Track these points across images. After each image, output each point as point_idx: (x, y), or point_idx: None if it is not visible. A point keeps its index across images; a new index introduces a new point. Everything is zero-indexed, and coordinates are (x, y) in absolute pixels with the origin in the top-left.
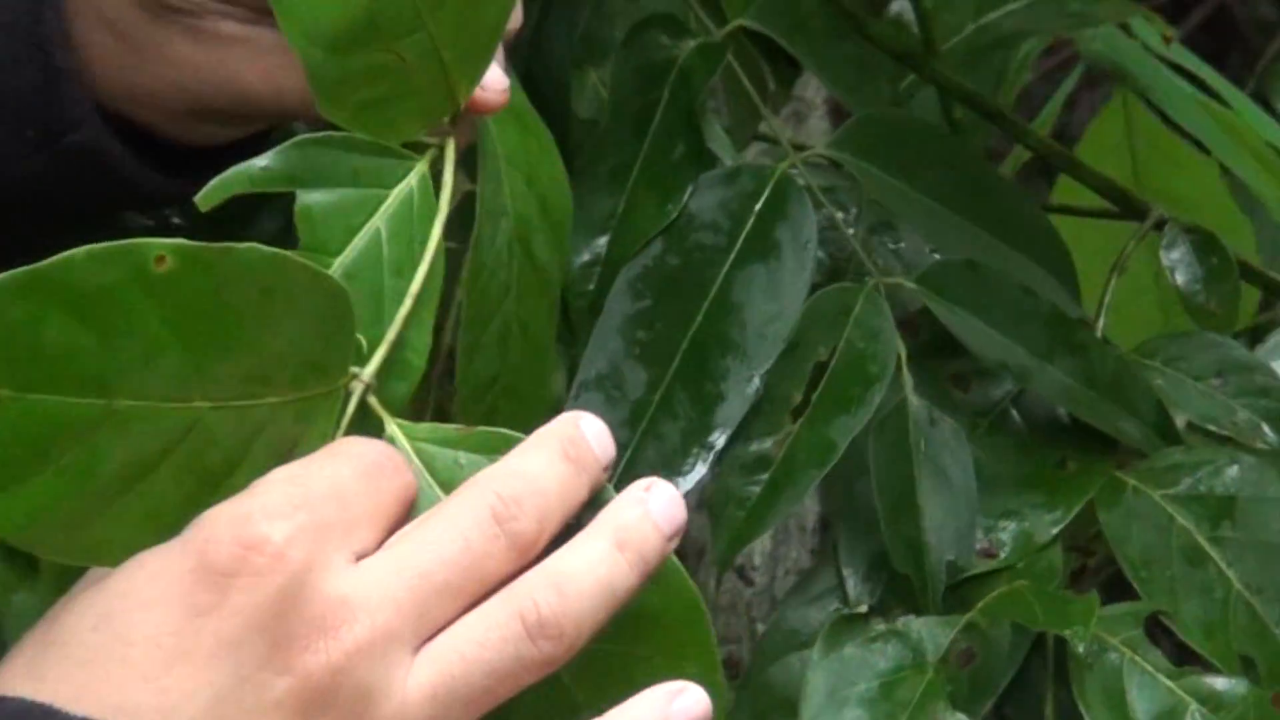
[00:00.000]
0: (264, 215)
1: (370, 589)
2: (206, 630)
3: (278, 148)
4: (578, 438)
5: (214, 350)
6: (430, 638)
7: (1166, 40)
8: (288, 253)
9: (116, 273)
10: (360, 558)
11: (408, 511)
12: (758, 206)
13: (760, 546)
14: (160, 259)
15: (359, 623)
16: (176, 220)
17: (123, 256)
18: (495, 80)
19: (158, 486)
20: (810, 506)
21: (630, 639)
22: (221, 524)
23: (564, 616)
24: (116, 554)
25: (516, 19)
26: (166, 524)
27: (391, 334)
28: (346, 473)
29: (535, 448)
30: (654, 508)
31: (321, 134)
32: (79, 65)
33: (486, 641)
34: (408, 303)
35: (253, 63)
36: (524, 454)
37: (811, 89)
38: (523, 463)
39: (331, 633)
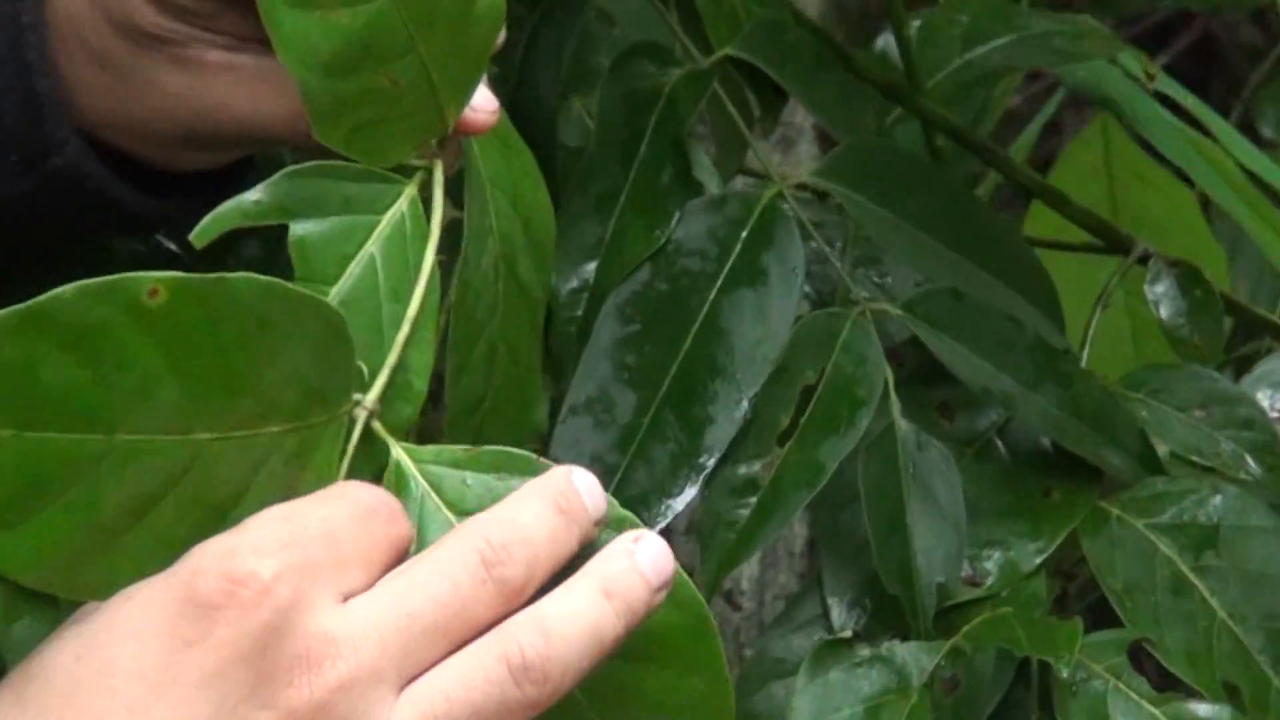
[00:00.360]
0: (249, 239)
1: (356, 627)
2: (191, 662)
3: (269, 180)
4: (569, 490)
5: (213, 381)
6: (415, 678)
7: (1150, 76)
8: (283, 281)
9: (109, 308)
10: (349, 598)
11: (401, 559)
12: (744, 233)
13: (748, 571)
14: (153, 292)
15: (343, 659)
16: (171, 245)
17: (114, 291)
18: (484, 101)
19: (163, 520)
20: (798, 531)
21: (640, 653)
22: (209, 558)
23: (549, 661)
24: (124, 589)
25: (499, 36)
26: (173, 557)
27: (392, 358)
28: (341, 514)
29: (527, 498)
30: (642, 559)
31: (311, 164)
32: (62, 91)
33: (471, 683)
34: (406, 326)
35: (237, 89)
36: (515, 503)
37: (800, 114)
38: (513, 511)
39: (315, 668)
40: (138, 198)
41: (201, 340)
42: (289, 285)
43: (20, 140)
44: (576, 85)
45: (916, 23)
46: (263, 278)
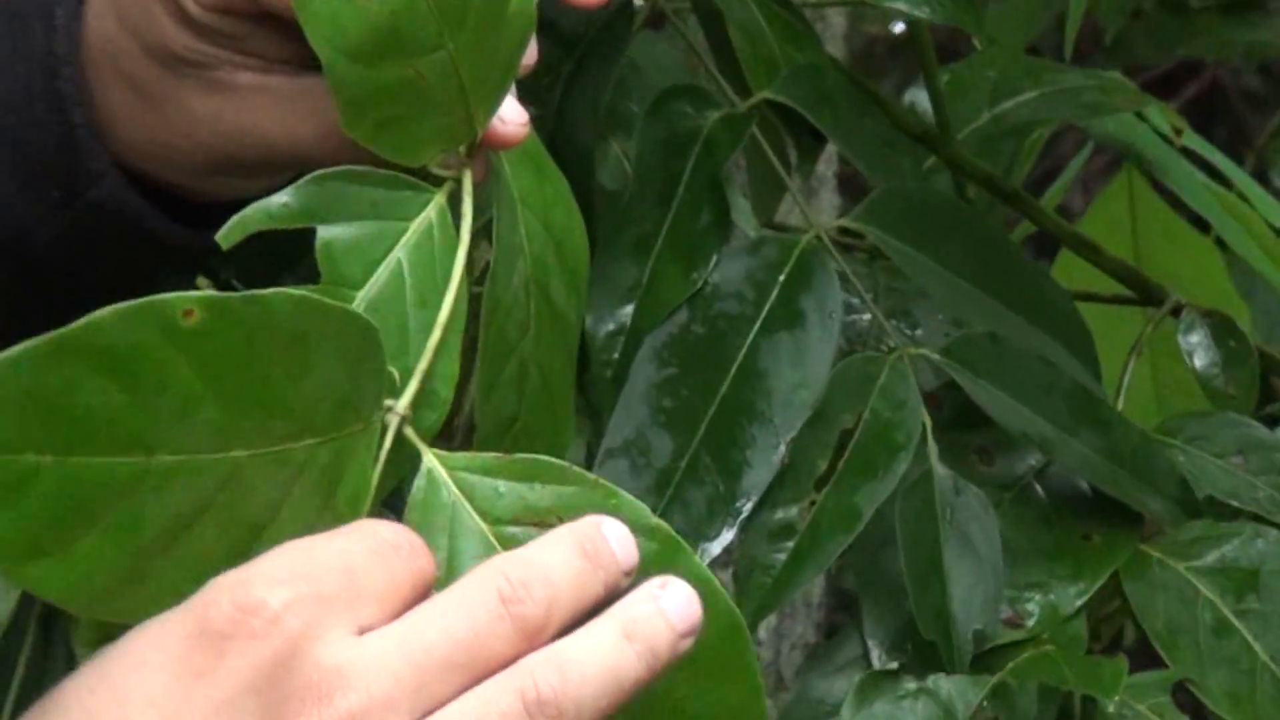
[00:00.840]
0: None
1: (368, 660)
2: (201, 692)
3: (296, 184)
4: (597, 537)
5: (249, 399)
6: (430, 713)
7: (1177, 132)
8: (315, 295)
9: (145, 330)
10: (365, 632)
11: (424, 596)
12: (782, 277)
13: (766, 621)
14: (188, 313)
15: (354, 691)
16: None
17: (150, 313)
18: (514, 114)
19: (201, 540)
20: (817, 581)
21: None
22: (222, 589)
23: (564, 697)
24: (165, 611)
25: (531, 55)
26: (209, 577)
27: (423, 364)
28: (359, 549)
29: (552, 542)
30: (667, 604)
31: (338, 169)
32: (98, 122)
33: (485, 717)
34: (436, 333)
35: (267, 111)
36: (539, 546)
37: (822, 163)
38: (536, 552)
39: (325, 700)
40: (177, 229)
41: (238, 358)
42: (322, 299)
43: (58, 173)
44: (613, 129)
45: (945, 76)
46: (296, 292)
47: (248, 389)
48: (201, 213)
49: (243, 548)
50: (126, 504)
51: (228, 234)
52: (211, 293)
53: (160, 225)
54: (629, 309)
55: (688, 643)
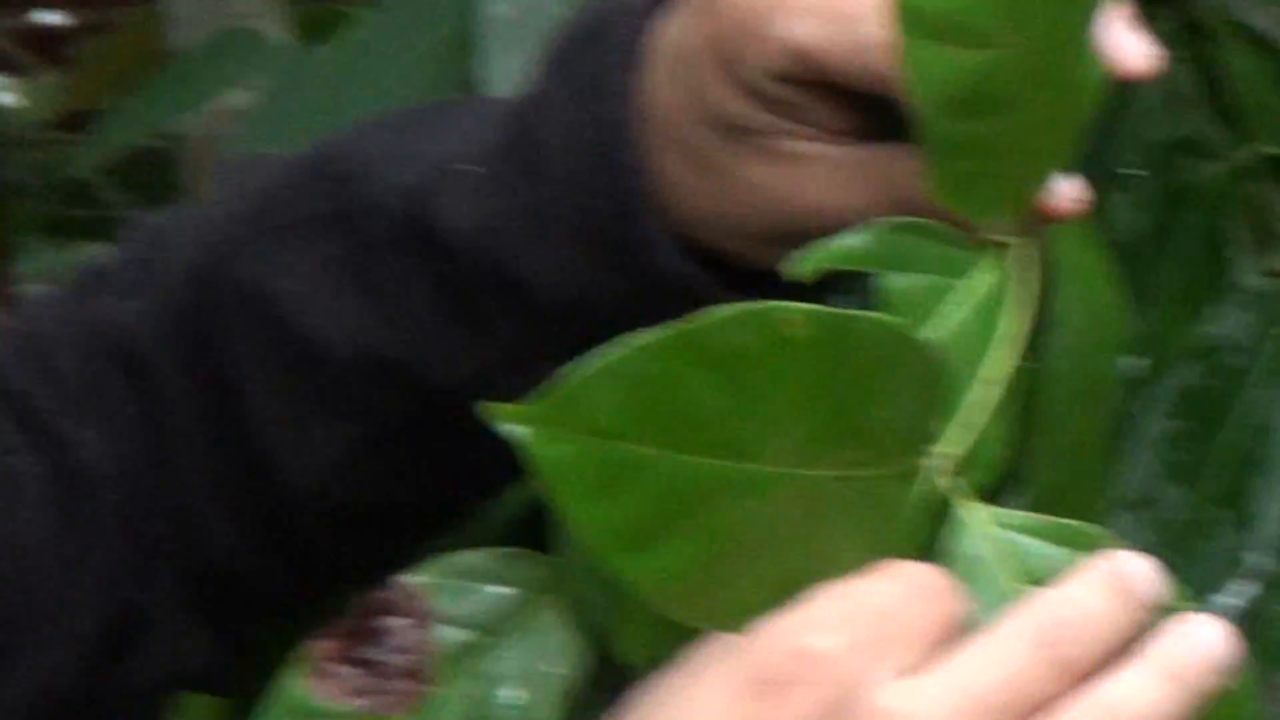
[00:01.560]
0: None
1: (920, 705)
2: None
3: (867, 226)
4: (1125, 574)
5: (833, 418)
6: None
7: None
8: (902, 326)
9: (754, 335)
10: (903, 676)
11: (949, 636)
12: None
13: None
14: (794, 323)
15: None
16: None
17: (760, 319)
18: (1076, 189)
19: (778, 557)
20: None
21: None
22: (773, 636)
23: None
24: (739, 622)
25: None
26: (785, 598)
27: (978, 418)
28: (895, 592)
29: (1083, 581)
30: (1203, 642)
31: (911, 220)
32: (654, 189)
33: None
34: (995, 390)
35: (825, 181)
36: (1070, 585)
37: None
38: (1069, 593)
39: None
40: (728, 295)
41: (831, 376)
42: (910, 330)
43: (613, 241)
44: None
45: None
46: (886, 318)
47: (834, 408)
48: (735, 276)
49: (811, 573)
50: (716, 508)
51: (803, 264)
52: (818, 307)
53: (713, 293)
54: (1130, 360)
55: (1219, 680)
